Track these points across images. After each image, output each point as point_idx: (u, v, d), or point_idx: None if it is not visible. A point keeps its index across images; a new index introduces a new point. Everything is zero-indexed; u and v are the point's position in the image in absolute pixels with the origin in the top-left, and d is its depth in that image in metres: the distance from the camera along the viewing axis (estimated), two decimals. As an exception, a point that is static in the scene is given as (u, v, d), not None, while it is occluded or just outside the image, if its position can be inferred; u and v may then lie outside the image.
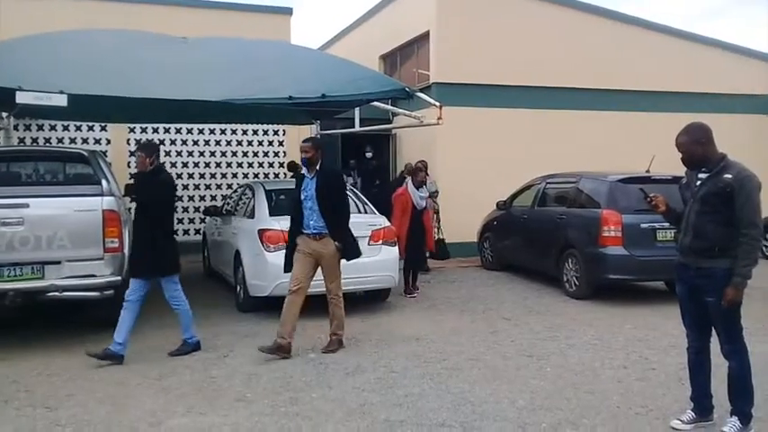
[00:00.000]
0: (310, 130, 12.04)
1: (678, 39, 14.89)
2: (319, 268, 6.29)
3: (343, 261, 6.31)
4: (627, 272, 8.39)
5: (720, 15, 47.54)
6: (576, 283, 8.77)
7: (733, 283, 4.03)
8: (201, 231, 11.49)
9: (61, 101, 6.28)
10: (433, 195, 11.26)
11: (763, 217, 4.20)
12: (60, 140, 12.46)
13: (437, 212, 11.29)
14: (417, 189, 9.26)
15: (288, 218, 7.84)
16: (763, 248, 12.29)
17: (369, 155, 15.44)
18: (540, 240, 9.76)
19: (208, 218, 10.65)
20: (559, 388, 5.14)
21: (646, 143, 11.64)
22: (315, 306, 7.93)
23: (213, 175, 13.62)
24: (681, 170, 8.08)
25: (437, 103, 9.02)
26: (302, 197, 6.25)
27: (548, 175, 10.40)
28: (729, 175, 4.08)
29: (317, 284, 7.50)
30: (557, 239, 9.26)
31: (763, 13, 44.93)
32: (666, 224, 8.13)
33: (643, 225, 8.27)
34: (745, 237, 4.01)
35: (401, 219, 9.04)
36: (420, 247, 9.40)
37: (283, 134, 14.03)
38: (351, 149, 15.15)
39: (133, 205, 6.31)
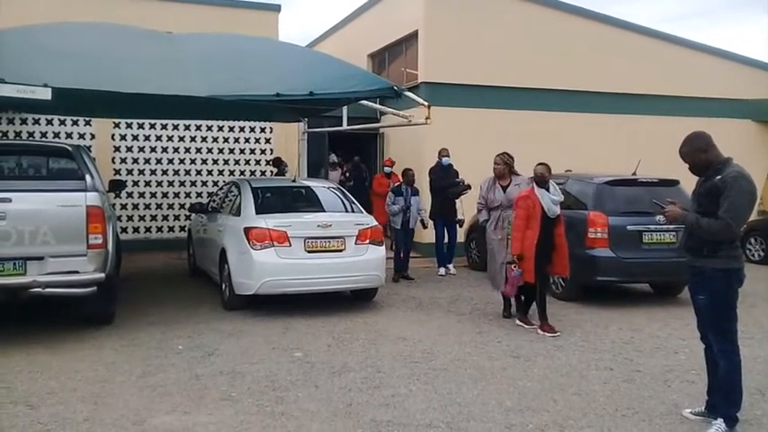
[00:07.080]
0: (298, 128, 11.98)
1: (667, 43, 14.96)
2: None
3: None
4: (613, 273, 8.40)
5: (687, 19, 48.14)
6: (563, 284, 8.77)
7: (684, 211, 4.34)
8: (187, 229, 11.38)
9: (45, 94, 6.18)
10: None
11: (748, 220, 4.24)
12: (44, 135, 12.30)
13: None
14: (547, 190, 6.95)
15: (273, 215, 7.83)
16: (749, 252, 12.42)
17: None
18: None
19: (193, 215, 10.55)
20: (546, 389, 5.14)
21: (636, 145, 11.74)
22: (301, 305, 7.92)
23: (199, 172, 13.50)
24: (667, 173, 8.11)
25: (425, 103, 8.98)
26: None
27: (535, 176, 10.39)
28: (719, 176, 4.13)
29: (312, 283, 7.56)
30: (543, 240, 9.26)
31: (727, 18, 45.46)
32: (652, 226, 8.27)
33: (629, 227, 8.30)
34: (719, 218, 4.08)
35: (524, 230, 6.89)
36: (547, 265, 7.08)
37: (271, 132, 13.96)
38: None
39: (117, 201, 6.21)
